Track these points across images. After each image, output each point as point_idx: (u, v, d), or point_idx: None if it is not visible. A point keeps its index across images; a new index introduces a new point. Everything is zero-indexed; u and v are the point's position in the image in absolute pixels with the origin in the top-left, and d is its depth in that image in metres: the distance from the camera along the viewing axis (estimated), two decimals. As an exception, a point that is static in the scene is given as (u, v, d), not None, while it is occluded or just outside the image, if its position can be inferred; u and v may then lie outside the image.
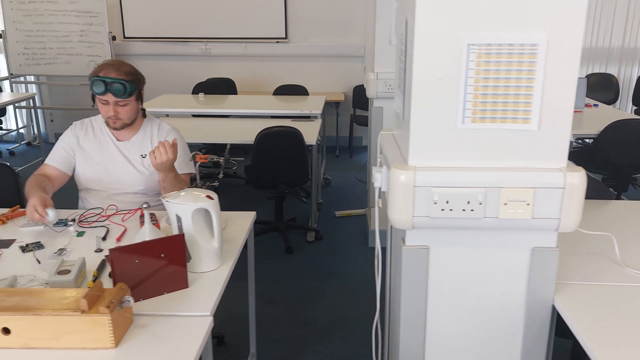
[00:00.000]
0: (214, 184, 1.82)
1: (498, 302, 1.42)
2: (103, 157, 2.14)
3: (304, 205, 4.35)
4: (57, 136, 6.40)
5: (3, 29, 5.82)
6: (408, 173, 1.29)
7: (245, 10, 5.93)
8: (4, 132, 6.07)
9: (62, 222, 1.91)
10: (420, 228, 1.34)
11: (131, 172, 2.13)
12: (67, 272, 1.46)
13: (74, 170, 2.16)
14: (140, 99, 2.12)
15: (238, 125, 4.02)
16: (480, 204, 1.28)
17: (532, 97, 1.25)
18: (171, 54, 6.12)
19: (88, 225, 1.90)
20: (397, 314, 1.48)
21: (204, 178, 2.08)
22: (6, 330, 1.20)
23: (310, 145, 3.48)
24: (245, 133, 3.60)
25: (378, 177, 1.48)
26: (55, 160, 2.13)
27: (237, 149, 5.14)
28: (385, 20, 3.23)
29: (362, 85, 6.11)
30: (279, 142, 3.36)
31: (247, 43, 6.06)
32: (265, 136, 3.31)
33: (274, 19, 5.95)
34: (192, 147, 2.62)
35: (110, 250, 1.34)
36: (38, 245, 1.72)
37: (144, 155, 2.15)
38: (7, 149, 6.10)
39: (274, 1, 5.89)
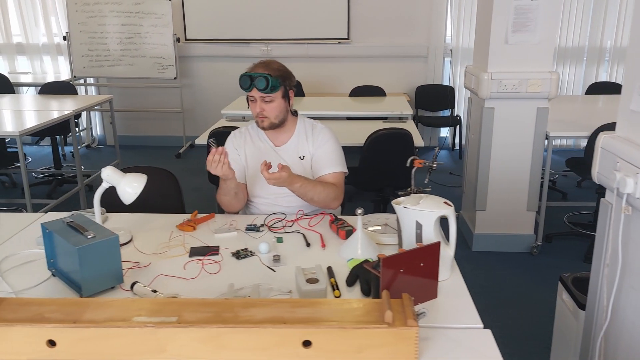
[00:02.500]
0: (427, 189, 1.77)
1: None
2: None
3: (382, 207, 4.29)
4: (116, 138, 6.38)
5: (67, 31, 5.81)
6: (700, 179, 1.24)
7: (307, 11, 5.89)
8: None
9: (254, 228, 1.87)
10: None
11: None
12: (315, 280, 1.42)
13: None
14: (287, 97, 2.08)
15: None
16: None
17: None
18: (232, 56, 6.08)
19: (280, 231, 1.86)
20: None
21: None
22: (307, 343, 1.15)
23: (417, 147, 3.43)
24: (347, 135, 3.56)
25: (631, 183, 1.43)
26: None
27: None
28: (501, 20, 3.17)
29: (425, 85, 6.06)
30: (389, 144, 3.31)
31: (309, 44, 6.01)
32: (377, 138, 3.26)
33: (336, 20, 5.90)
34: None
35: (383, 259, 1.29)
36: (249, 252, 1.67)
37: (302, 157, 2.12)
38: (70, 152, 6.09)
39: (337, 2, 5.84)
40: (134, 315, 1.18)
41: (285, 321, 1.16)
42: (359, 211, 1.63)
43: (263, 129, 2.09)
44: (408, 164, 1.71)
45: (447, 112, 6.05)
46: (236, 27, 5.98)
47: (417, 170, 1.95)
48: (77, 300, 1.24)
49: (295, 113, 2.20)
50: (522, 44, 3.21)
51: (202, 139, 3.44)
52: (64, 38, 5.87)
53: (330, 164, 2.10)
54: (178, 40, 5.83)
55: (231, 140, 2.22)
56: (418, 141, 3.39)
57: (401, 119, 4.07)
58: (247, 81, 1.99)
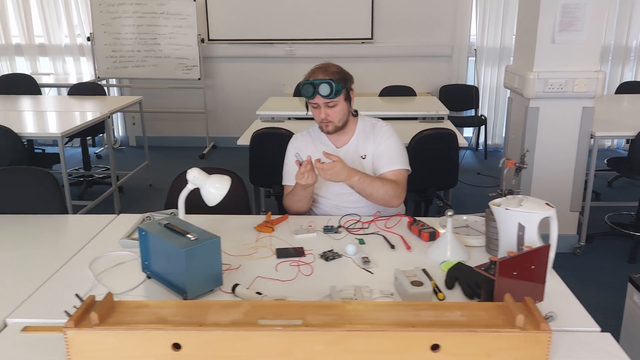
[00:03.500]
0: (518, 189, 1.75)
1: None
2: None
3: (423, 207, 4.26)
4: (138, 139, 6.38)
5: (91, 31, 5.79)
6: None
7: (330, 12, 5.87)
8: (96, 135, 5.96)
9: (332, 229, 1.85)
10: None
11: None
12: (419, 283, 1.40)
13: None
14: (349, 99, 2.07)
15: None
16: None
17: None
18: (255, 56, 6.07)
19: (358, 233, 1.84)
20: None
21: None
22: (435, 347, 1.13)
23: (463, 147, 3.41)
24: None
25: None
26: (293, 179, 2.10)
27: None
28: (548, 20, 3.15)
29: (449, 85, 6.04)
30: (435, 145, 3.29)
31: (332, 44, 5.99)
32: (423, 138, 3.24)
33: (360, 20, 5.88)
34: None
35: (500, 262, 1.27)
36: (336, 254, 1.65)
37: (363, 156, 2.11)
38: (95, 153, 6.08)
39: (361, 2, 5.82)
40: (257, 317, 1.17)
41: (414, 324, 1.14)
42: (450, 213, 1.61)
43: (328, 133, 2.08)
44: (500, 165, 1.69)
45: (471, 112, 6.03)
46: (259, 28, 5.96)
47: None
48: (196, 303, 1.22)
49: (355, 113, 2.19)
50: (569, 43, 3.19)
51: (244, 140, 3.41)
52: (88, 39, 5.85)
53: (391, 161, 2.08)
54: (202, 41, 5.82)
55: (292, 145, 2.22)
56: (462, 141, 3.38)
57: (437, 118, 4.05)
58: (310, 89, 1.97)
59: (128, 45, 5.80)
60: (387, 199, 2.00)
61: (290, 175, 2.14)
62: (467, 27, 5.86)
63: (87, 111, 4.08)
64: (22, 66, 6.26)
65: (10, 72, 5.95)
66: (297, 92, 5.59)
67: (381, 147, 2.11)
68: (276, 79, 6.16)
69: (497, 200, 1.51)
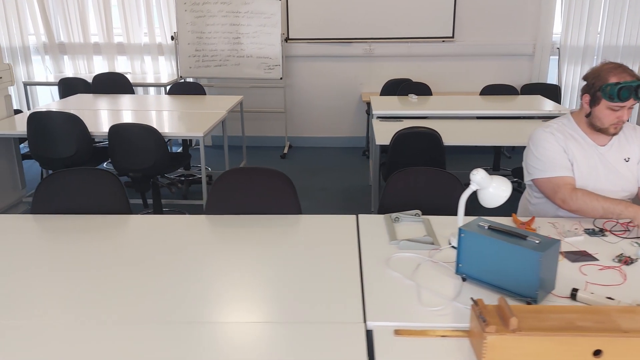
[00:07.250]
0: None
1: None
2: (588, 164, 2.06)
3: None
4: (214, 139, 6.35)
5: (175, 30, 5.78)
6: None
7: (411, 10, 5.84)
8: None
9: (593, 232, 1.81)
10: None
11: (615, 177, 2.05)
12: None
13: None
14: None
15: (476, 127, 3.92)
16: None
17: None
18: (334, 55, 6.04)
19: (627, 236, 1.80)
20: None
21: None
22: None
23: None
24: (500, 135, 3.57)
25: None
26: (567, 169, 2.06)
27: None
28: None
29: (529, 84, 5.96)
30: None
31: (412, 43, 5.95)
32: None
33: (441, 18, 5.84)
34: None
35: None
36: (630, 258, 1.61)
37: (626, 159, 2.07)
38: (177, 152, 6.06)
39: (443, 1, 5.78)
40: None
41: None
42: None
43: (614, 134, 2.03)
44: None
45: (552, 111, 5.98)
46: (339, 27, 5.93)
47: None
48: (592, 309, 1.18)
49: None
50: None
51: (382, 140, 3.37)
52: (172, 38, 5.84)
53: None
54: (286, 40, 5.79)
55: (551, 139, 2.09)
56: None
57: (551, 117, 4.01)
58: (627, 92, 1.87)
59: (211, 45, 5.78)
60: None
61: (563, 166, 2.06)
62: (551, 25, 5.81)
63: (202, 111, 4.06)
64: (99, 65, 6.26)
65: (109, 72, 5.93)
66: (385, 91, 5.57)
67: None
68: (354, 78, 6.13)
69: None
